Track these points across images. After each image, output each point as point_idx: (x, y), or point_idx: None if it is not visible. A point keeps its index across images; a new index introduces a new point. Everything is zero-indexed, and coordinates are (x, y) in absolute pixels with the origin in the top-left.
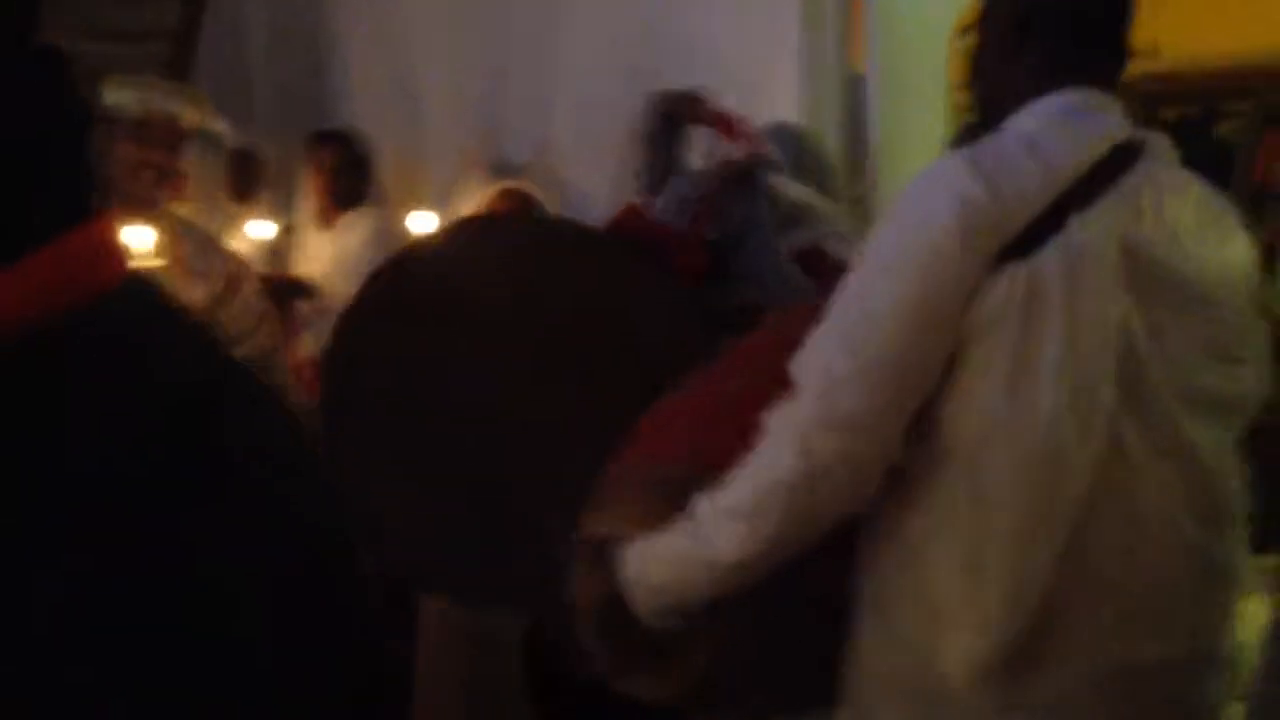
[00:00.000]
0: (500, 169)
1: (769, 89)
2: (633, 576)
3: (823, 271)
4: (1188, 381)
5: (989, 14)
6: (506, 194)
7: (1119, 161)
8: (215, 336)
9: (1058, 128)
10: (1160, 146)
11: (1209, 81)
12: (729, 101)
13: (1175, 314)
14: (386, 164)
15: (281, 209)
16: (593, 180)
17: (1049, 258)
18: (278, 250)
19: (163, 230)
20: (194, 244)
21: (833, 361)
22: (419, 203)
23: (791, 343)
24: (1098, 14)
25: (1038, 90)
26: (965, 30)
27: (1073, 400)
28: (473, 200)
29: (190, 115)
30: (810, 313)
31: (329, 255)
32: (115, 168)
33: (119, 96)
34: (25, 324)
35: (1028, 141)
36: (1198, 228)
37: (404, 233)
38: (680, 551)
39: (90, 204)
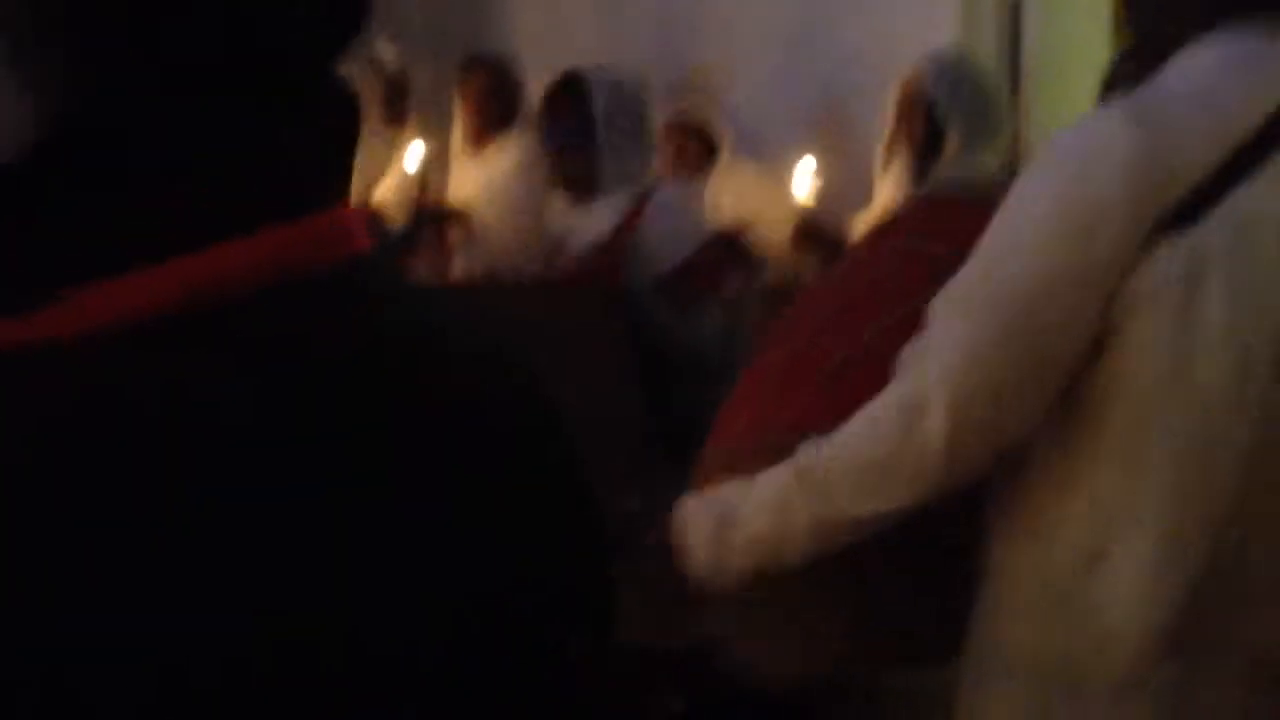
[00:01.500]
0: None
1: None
2: (739, 519)
3: None
4: None
5: None
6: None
7: None
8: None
9: (1229, 74)
10: None
11: None
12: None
13: None
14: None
15: (432, 133)
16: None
17: (1215, 225)
18: (428, 175)
19: None
20: None
21: (977, 322)
22: None
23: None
24: None
25: (1208, 24)
26: None
27: (1234, 387)
28: None
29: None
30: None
31: (479, 181)
32: None
33: None
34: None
35: (1199, 90)
36: None
37: None
38: (792, 502)
39: (343, 190)
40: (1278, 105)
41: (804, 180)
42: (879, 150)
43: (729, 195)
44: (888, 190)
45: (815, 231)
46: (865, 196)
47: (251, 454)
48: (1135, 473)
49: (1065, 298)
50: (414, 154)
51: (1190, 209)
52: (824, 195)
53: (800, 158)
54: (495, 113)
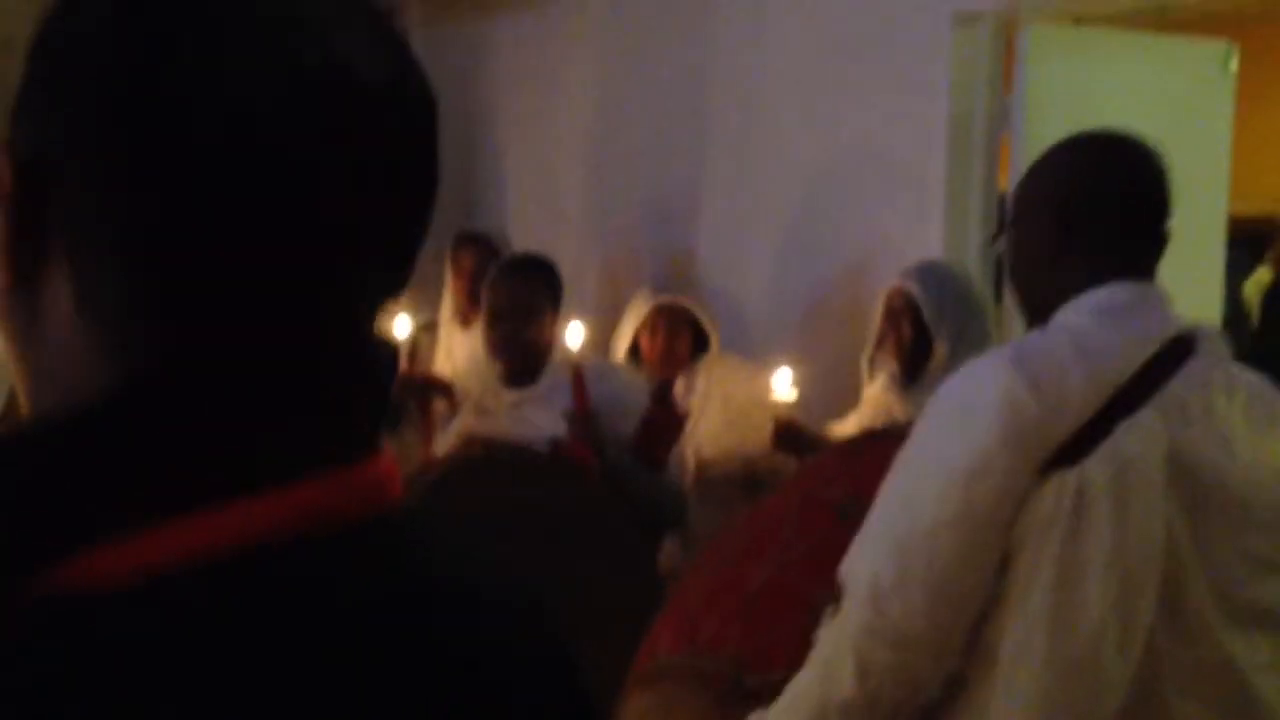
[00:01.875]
0: (659, 286)
1: (918, 199)
2: None
3: None
4: (1231, 593)
5: (1027, 213)
6: (661, 311)
7: (1168, 361)
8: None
9: (1106, 327)
10: (1212, 341)
11: None
12: (875, 227)
13: (1222, 523)
14: None
15: (423, 306)
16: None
17: (1096, 466)
18: (416, 347)
19: None
20: None
21: (882, 572)
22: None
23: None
24: (1139, 208)
25: (1083, 285)
26: (1000, 231)
27: (1116, 612)
28: (633, 316)
29: None
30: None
31: (465, 354)
32: None
33: None
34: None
35: (1075, 343)
36: (1248, 429)
37: None
38: None
39: (380, 439)
40: (1150, 354)
41: (785, 380)
42: (865, 355)
43: (717, 388)
44: (874, 394)
45: (794, 432)
46: (852, 399)
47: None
48: (1018, 698)
49: (963, 537)
50: (401, 325)
51: (1075, 447)
52: (807, 396)
53: (785, 356)
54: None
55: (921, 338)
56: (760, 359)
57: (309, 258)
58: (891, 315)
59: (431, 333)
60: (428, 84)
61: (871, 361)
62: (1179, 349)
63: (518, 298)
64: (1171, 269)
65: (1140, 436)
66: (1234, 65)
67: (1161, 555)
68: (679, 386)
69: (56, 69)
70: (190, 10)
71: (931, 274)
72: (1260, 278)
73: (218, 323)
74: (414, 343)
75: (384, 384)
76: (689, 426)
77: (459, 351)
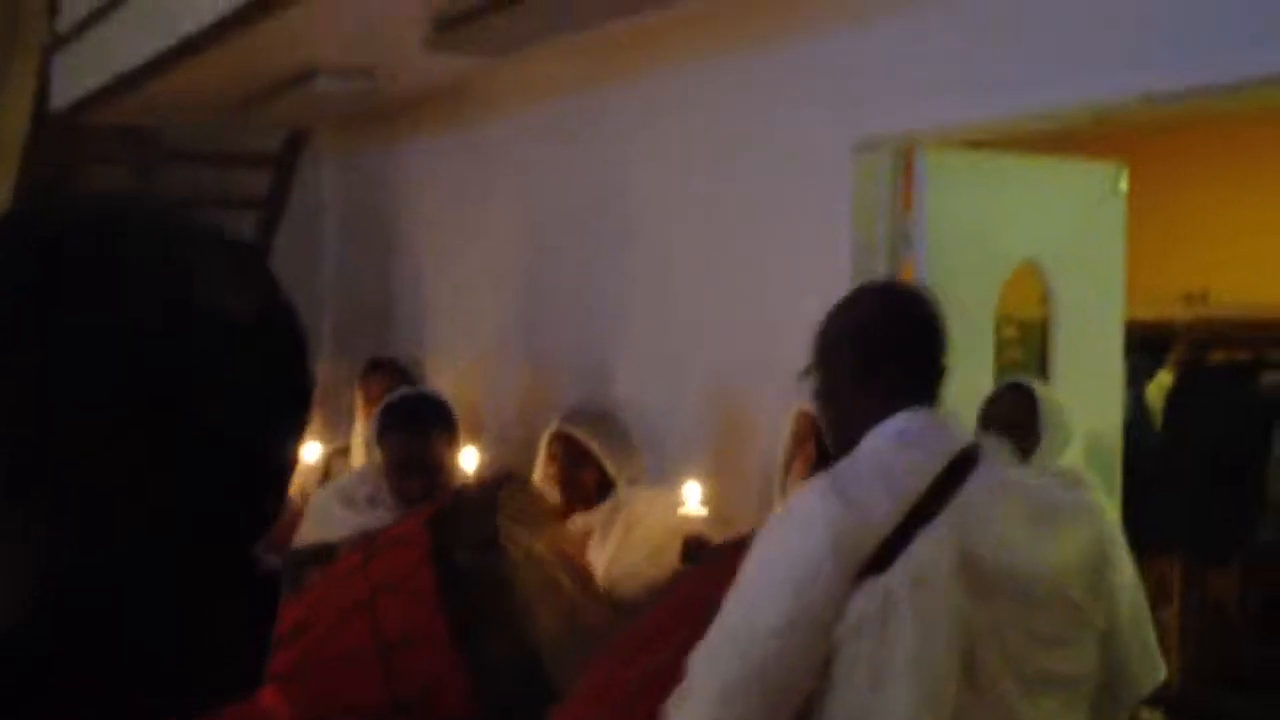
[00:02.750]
0: (573, 412)
1: (826, 271)
2: None
3: None
4: (1022, 666)
5: (829, 358)
6: (559, 437)
7: (957, 473)
8: None
9: (903, 450)
10: (994, 451)
11: (1258, 329)
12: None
13: (1010, 608)
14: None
15: (336, 431)
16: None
17: (898, 572)
18: (328, 472)
19: None
20: None
21: (726, 669)
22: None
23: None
24: (922, 351)
25: (881, 415)
26: (806, 370)
27: (925, 698)
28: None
29: None
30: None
31: None
32: None
33: None
34: None
35: (879, 466)
36: (1030, 527)
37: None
38: None
39: (262, 672)
40: (936, 475)
41: (694, 495)
42: (776, 479)
43: (639, 524)
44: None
45: (702, 546)
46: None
47: None
48: None
49: (794, 640)
50: (312, 450)
51: (881, 558)
52: (725, 513)
53: (699, 475)
54: None
55: (827, 458)
56: (677, 480)
57: (191, 487)
58: (799, 438)
59: (343, 457)
60: (293, 315)
61: (783, 485)
62: (965, 462)
63: (413, 451)
64: (1074, 378)
65: (934, 546)
66: (1124, 185)
67: (960, 644)
68: (578, 521)
69: None
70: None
71: None
72: (1162, 380)
73: (102, 555)
74: (326, 467)
75: (267, 618)
76: (602, 562)
77: None
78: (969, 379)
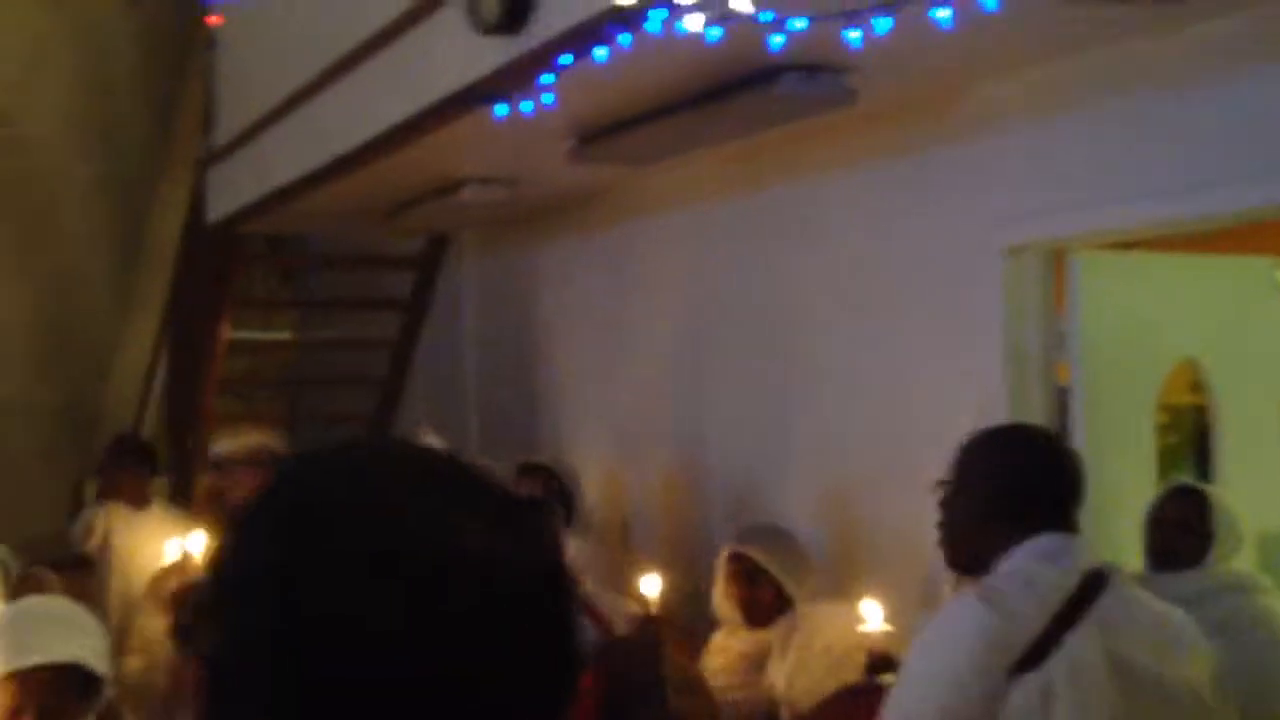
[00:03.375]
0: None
1: (978, 375)
2: None
3: None
4: None
5: (965, 486)
6: (735, 558)
7: (1092, 588)
8: None
9: (1044, 566)
10: (1120, 574)
11: None
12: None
13: (1153, 705)
14: (590, 494)
15: None
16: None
17: (1055, 668)
18: None
19: None
20: None
21: None
22: (620, 536)
23: None
24: (1066, 494)
25: (1018, 535)
26: (938, 487)
27: None
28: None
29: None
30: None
31: None
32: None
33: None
34: None
35: (1025, 579)
36: (1160, 637)
37: (608, 566)
38: None
39: None
40: (1075, 587)
41: (875, 613)
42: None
43: (816, 639)
44: None
45: (887, 662)
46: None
47: None
48: None
49: None
50: None
51: (1033, 657)
52: (902, 629)
53: (874, 593)
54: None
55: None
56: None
57: None
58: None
59: None
60: (554, 559)
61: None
62: (1098, 578)
63: None
64: (1239, 476)
65: (1086, 645)
66: (1279, 277)
67: None
68: (758, 637)
69: (226, 597)
70: (331, 557)
71: None
72: None
73: None
74: None
75: None
76: (782, 676)
77: None
78: (1129, 477)
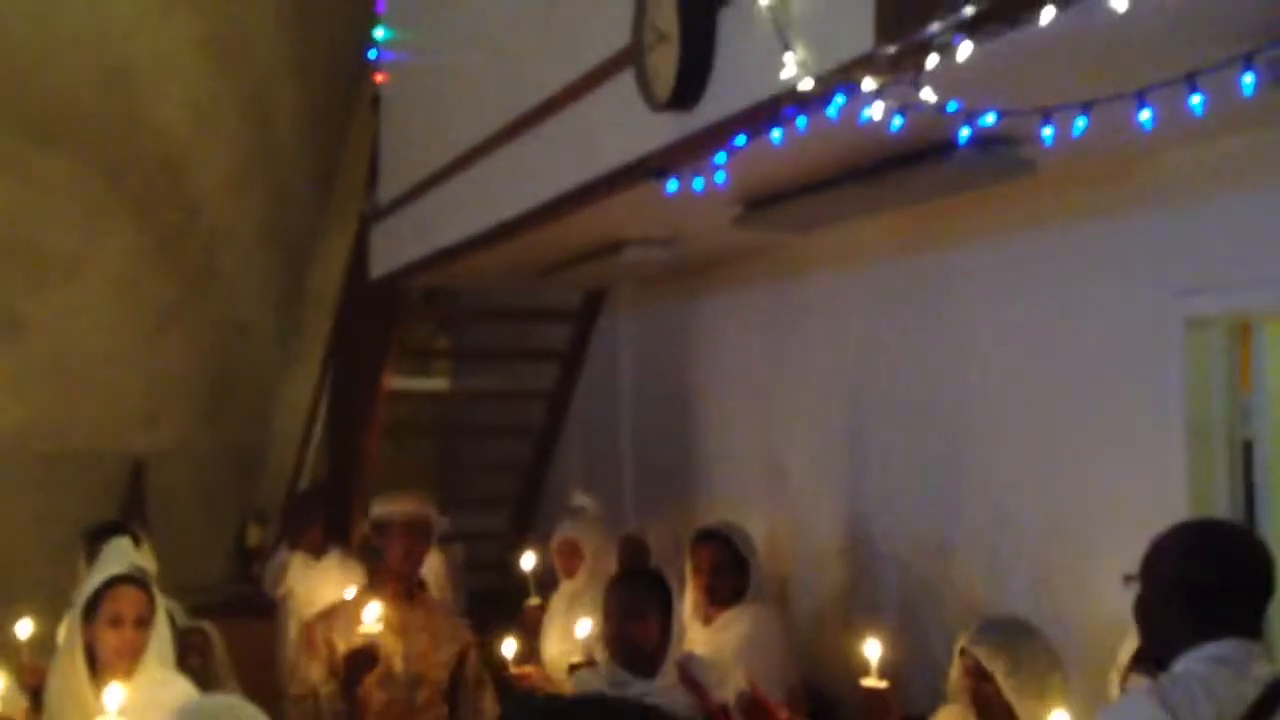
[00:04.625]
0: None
1: (1158, 450)
2: None
3: None
4: None
5: (1153, 572)
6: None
7: (1271, 700)
8: None
9: (1223, 671)
10: None
11: None
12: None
13: None
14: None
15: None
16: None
17: None
18: None
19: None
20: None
21: None
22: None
23: None
24: (1244, 590)
25: (1200, 637)
26: (1130, 578)
27: None
28: None
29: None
30: None
31: (704, 652)
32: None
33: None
34: None
35: (1202, 684)
36: None
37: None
38: None
39: None
40: (1258, 690)
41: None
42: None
43: None
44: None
45: None
46: None
47: None
48: None
49: None
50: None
51: None
52: None
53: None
54: (724, 585)
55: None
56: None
57: None
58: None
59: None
60: None
61: (1126, 677)
62: (1277, 692)
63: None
64: None
65: None
66: None
67: None
68: None
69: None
70: None
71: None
72: None
73: None
74: None
75: None
76: None
77: (698, 647)
78: None
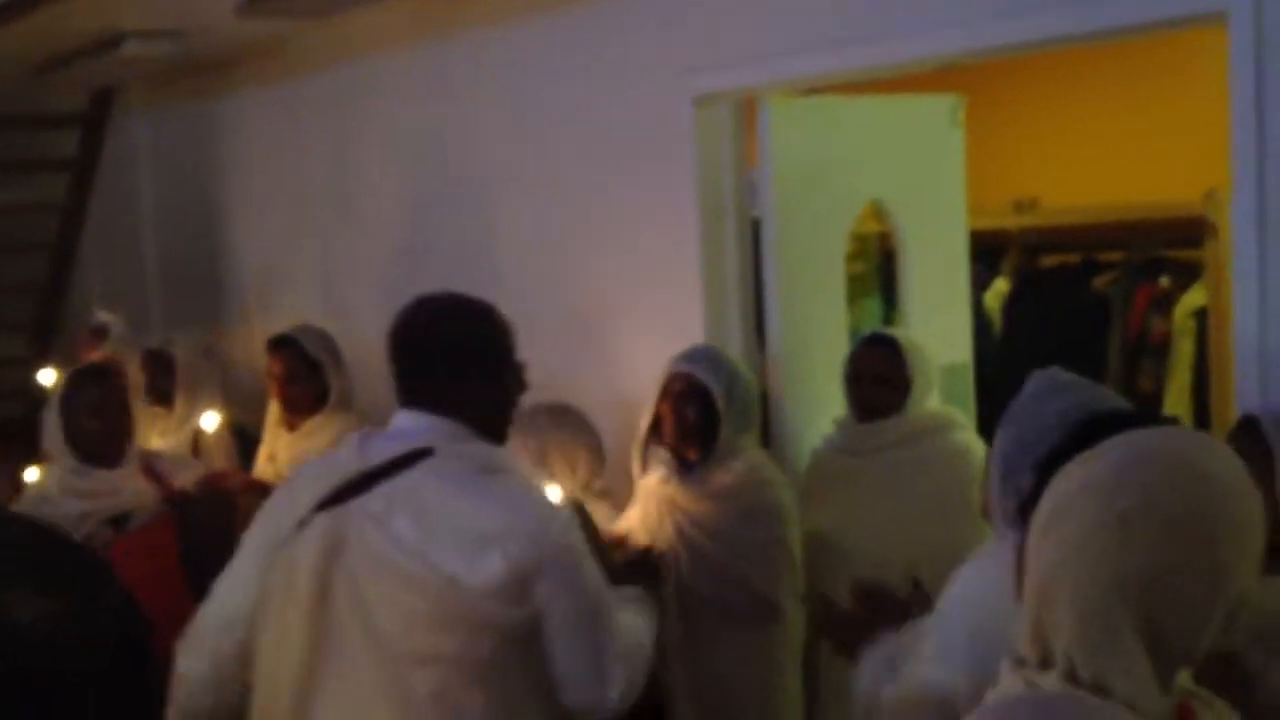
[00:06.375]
0: None
1: (676, 232)
2: None
3: None
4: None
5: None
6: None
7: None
8: None
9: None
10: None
11: (1087, 232)
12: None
13: (387, 584)
14: None
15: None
16: None
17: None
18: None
19: None
20: None
21: None
22: None
23: None
24: (403, 357)
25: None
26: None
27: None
28: None
29: None
30: None
31: (290, 459)
32: None
33: None
34: None
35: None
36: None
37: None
38: None
39: None
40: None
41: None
42: (635, 444)
43: None
44: (652, 485)
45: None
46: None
47: None
48: None
49: None
50: (209, 420)
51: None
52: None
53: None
54: (301, 393)
55: (704, 422)
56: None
57: None
58: (674, 399)
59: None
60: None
61: (644, 450)
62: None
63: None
64: (925, 314)
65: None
66: (962, 116)
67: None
68: None
69: None
70: None
71: (712, 359)
72: (999, 288)
73: None
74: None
75: None
76: None
77: (284, 455)
78: (820, 314)
